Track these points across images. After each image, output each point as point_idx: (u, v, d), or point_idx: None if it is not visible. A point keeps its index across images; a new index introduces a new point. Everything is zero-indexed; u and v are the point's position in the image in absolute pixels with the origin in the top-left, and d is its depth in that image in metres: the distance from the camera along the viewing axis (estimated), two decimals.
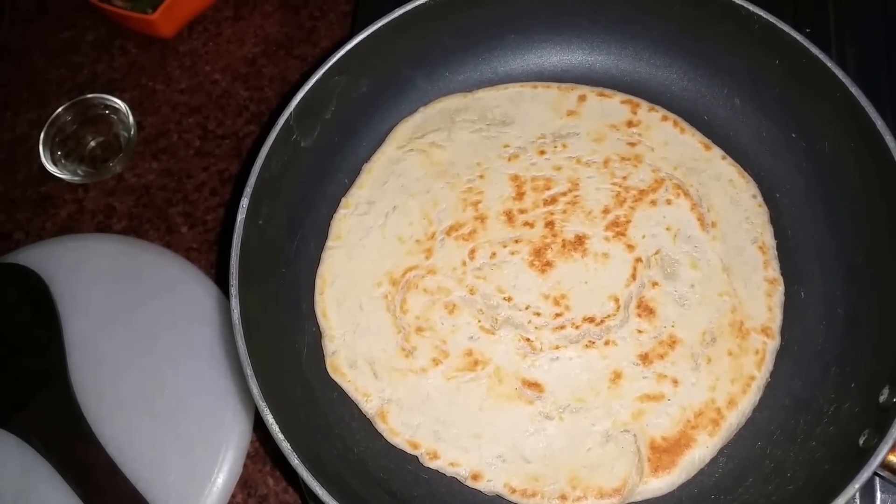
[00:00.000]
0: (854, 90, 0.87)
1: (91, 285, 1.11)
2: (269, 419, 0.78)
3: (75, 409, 1.03)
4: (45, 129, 1.25)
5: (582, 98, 1.03)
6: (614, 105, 1.02)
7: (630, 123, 1.01)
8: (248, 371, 0.80)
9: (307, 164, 0.97)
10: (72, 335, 1.08)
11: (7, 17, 1.42)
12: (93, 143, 1.29)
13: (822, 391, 0.87)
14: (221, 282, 1.13)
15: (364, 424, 0.90)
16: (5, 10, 1.42)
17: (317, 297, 0.95)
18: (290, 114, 0.92)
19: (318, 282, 0.96)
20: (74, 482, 0.99)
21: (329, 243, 0.98)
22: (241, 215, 0.87)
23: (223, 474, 1.00)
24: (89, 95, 1.28)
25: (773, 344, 0.90)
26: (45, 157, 1.24)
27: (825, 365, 0.88)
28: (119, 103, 1.27)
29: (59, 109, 1.27)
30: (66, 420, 1.03)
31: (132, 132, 1.25)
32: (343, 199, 1.00)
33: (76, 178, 1.24)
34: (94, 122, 1.29)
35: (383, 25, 0.96)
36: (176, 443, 1.01)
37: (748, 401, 0.87)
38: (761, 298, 0.91)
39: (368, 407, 0.90)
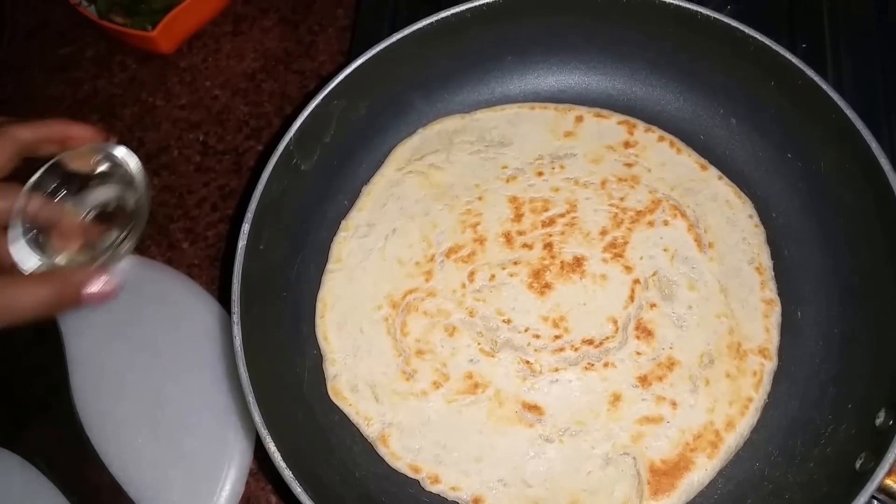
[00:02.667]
0: (849, 112, 0.87)
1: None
2: (272, 447, 0.79)
3: (78, 428, 1.04)
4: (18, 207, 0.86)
5: (579, 119, 1.04)
6: (611, 126, 1.03)
7: (627, 144, 1.02)
8: (251, 399, 0.80)
9: (307, 187, 0.98)
10: (74, 354, 1.09)
11: (7, 33, 1.42)
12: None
13: (819, 412, 0.87)
14: (223, 298, 1.13)
15: (365, 448, 0.91)
16: (5, 26, 1.43)
17: (318, 321, 0.96)
18: (290, 139, 0.92)
19: (319, 305, 0.96)
20: (78, 502, 0.99)
21: (329, 266, 0.98)
22: (242, 241, 0.87)
23: (225, 493, 1.00)
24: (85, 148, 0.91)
25: (771, 365, 0.90)
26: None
27: (822, 386, 0.88)
28: (123, 155, 0.90)
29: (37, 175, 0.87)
30: (69, 440, 1.03)
31: (142, 197, 0.89)
32: (343, 222, 1.01)
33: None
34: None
35: (382, 49, 0.96)
36: (178, 461, 1.02)
37: (746, 423, 0.88)
38: (758, 320, 0.92)
39: (370, 431, 0.91)
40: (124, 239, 0.91)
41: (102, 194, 0.91)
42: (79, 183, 0.90)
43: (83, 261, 0.89)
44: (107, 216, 0.91)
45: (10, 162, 0.84)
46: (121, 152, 0.90)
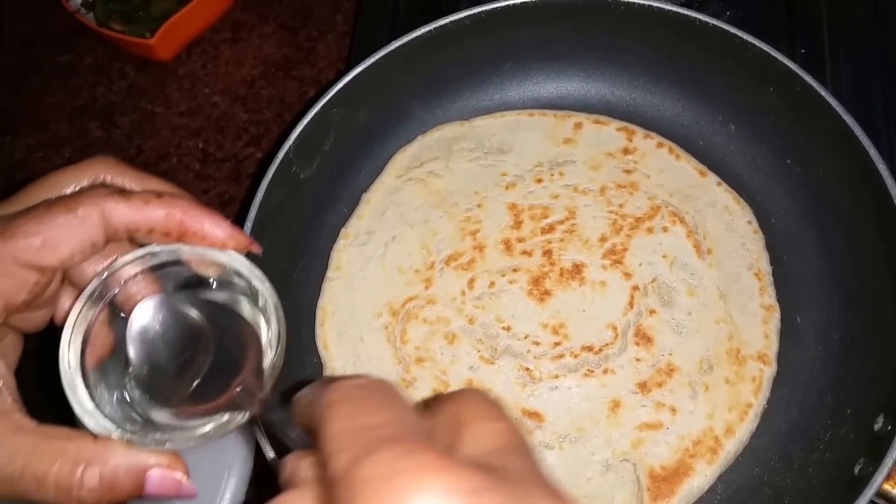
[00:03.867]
0: (847, 118, 0.88)
1: None
2: (271, 455, 0.79)
3: None
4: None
5: (578, 126, 1.04)
6: (610, 132, 1.03)
7: (626, 150, 1.02)
8: None
9: (307, 195, 0.98)
10: None
11: (5, 41, 1.43)
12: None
13: (818, 418, 0.87)
14: None
15: None
16: (3, 34, 1.43)
17: (318, 329, 0.96)
18: (290, 147, 0.93)
19: (319, 313, 0.97)
20: None
21: (329, 274, 0.98)
22: None
23: (226, 502, 1.00)
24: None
25: (770, 371, 0.90)
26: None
27: (822, 391, 0.89)
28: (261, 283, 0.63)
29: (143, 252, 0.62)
30: None
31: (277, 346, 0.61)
32: (342, 230, 1.01)
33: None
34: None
35: (381, 57, 0.97)
36: None
37: (746, 428, 0.88)
38: (758, 325, 0.92)
39: None
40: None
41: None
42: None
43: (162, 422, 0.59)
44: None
45: (86, 249, 0.59)
46: (259, 278, 0.62)
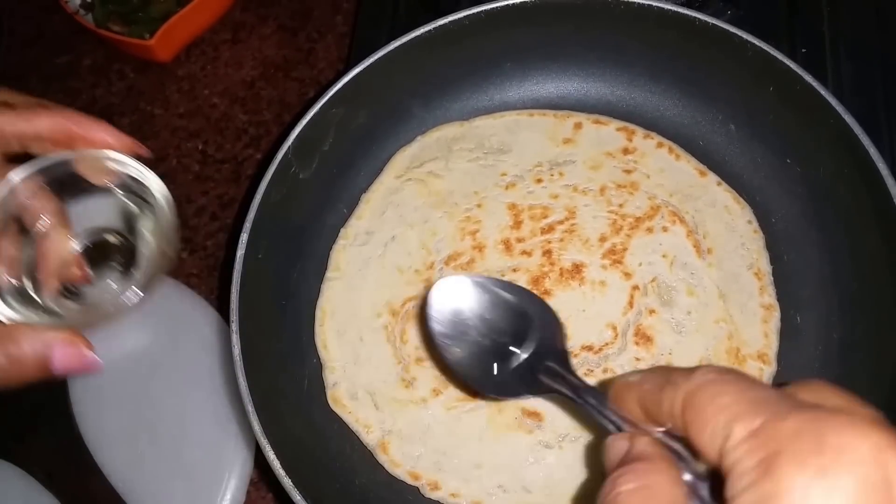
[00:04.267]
0: (848, 118, 0.87)
1: None
2: (271, 456, 0.79)
3: (78, 439, 1.04)
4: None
5: (578, 125, 1.04)
6: (610, 132, 1.03)
7: (626, 151, 1.02)
8: (250, 408, 0.80)
9: (306, 195, 0.98)
10: None
11: (4, 43, 1.43)
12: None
13: None
14: (222, 308, 1.13)
15: (365, 456, 0.91)
16: (3, 36, 1.43)
17: (317, 329, 0.96)
18: (289, 147, 0.92)
19: (319, 313, 0.96)
20: None
21: (328, 274, 0.98)
22: (240, 251, 0.87)
23: (226, 502, 1.00)
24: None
25: (770, 370, 0.90)
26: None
27: None
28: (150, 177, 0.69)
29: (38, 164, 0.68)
30: (68, 450, 1.03)
31: (166, 234, 0.67)
32: (342, 230, 1.01)
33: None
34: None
35: (380, 57, 0.96)
36: (178, 471, 1.02)
37: None
38: (757, 325, 0.92)
39: (369, 438, 0.91)
40: (121, 288, 0.66)
41: (108, 219, 0.70)
42: (79, 197, 0.69)
43: (63, 313, 0.66)
44: (103, 252, 0.70)
45: None
46: (148, 175, 0.68)
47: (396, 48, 0.97)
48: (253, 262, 0.88)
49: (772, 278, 0.94)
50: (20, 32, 1.44)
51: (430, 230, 0.99)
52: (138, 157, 0.71)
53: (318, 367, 0.95)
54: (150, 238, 0.68)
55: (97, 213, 0.69)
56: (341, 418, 0.92)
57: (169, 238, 0.68)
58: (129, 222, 0.70)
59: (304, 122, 0.94)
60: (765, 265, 0.95)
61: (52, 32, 1.43)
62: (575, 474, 0.87)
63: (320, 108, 0.95)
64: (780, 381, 0.90)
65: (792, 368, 0.91)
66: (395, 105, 1.04)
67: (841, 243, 0.92)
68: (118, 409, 1.05)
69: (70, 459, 1.03)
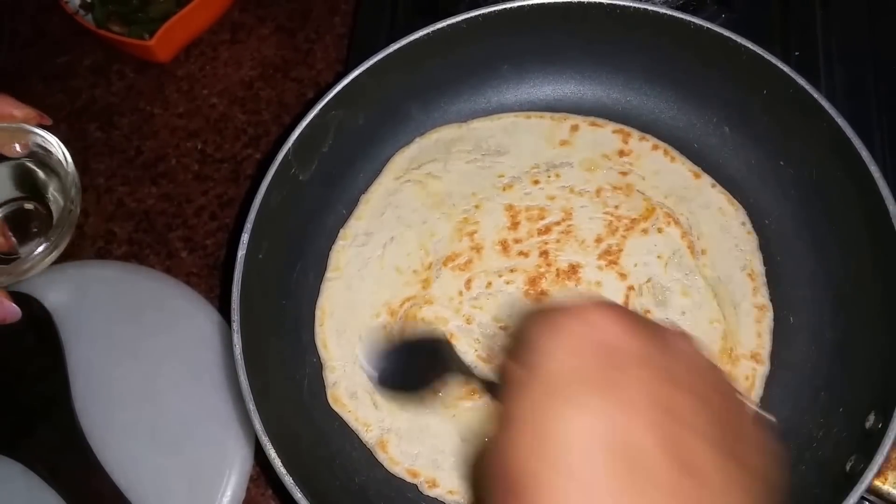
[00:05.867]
0: (840, 121, 0.88)
1: (93, 312, 1.12)
2: (272, 454, 0.80)
3: (79, 435, 1.04)
4: None
5: (574, 128, 1.05)
6: (606, 134, 1.04)
7: (622, 153, 1.03)
8: (251, 407, 0.81)
9: (306, 197, 0.99)
10: (74, 362, 1.09)
11: (5, 42, 1.43)
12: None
13: (811, 416, 0.88)
14: (222, 306, 1.14)
15: (364, 454, 0.92)
16: (3, 36, 1.43)
17: (317, 329, 0.97)
18: (289, 149, 0.93)
19: (318, 313, 0.98)
20: None
21: (328, 274, 0.99)
22: (241, 251, 0.88)
23: (227, 499, 1.01)
24: None
25: (763, 370, 0.92)
26: None
27: (814, 389, 0.90)
28: (54, 144, 0.78)
29: None
30: (70, 447, 1.04)
31: (71, 199, 0.76)
32: (341, 231, 1.02)
33: None
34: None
35: (379, 60, 0.97)
36: (179, 468, 1.02)
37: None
38: (751, 325, 0.93)
39: (368, 437, 0.92)
40: (42, 249, 0.73)
41: (20, 187, 0.76)
42: None
43: None
44: (20, 217, 0.76)
45: None
46: (52, 140, 0.74)
47: (395, 51, 0.98)
48: (253, 262, 0.89)
49: (765, 279, 0.96)
50: (20, 32, 1.44)
51: (429, 231, 1.00)
52: (41, 126, 0.76)
53: (317, 366, 0.96)
54: (60, 199, 0.75)
55: (10, 183, 0.74)
56: (341, 417, 0.93)
57: (73, 198, 0.75)
58: (38, 188, 0.75)
59: (303, 123, 0.95)
60: (758, 266, 0.96)
61: (52, 32, 1.43)
62: None
63: (320, 110, 0.96)
64: (773, 381, 0.92)
65: (785, 368, 0.92)
66: (393, 107, 1.05)
67: (834, 245, 0.93)
68: (120, 406, 1.06)
69: (72, 456, 1.03)
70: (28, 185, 0.75)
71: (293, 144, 0.94)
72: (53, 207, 0.74)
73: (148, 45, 1.30)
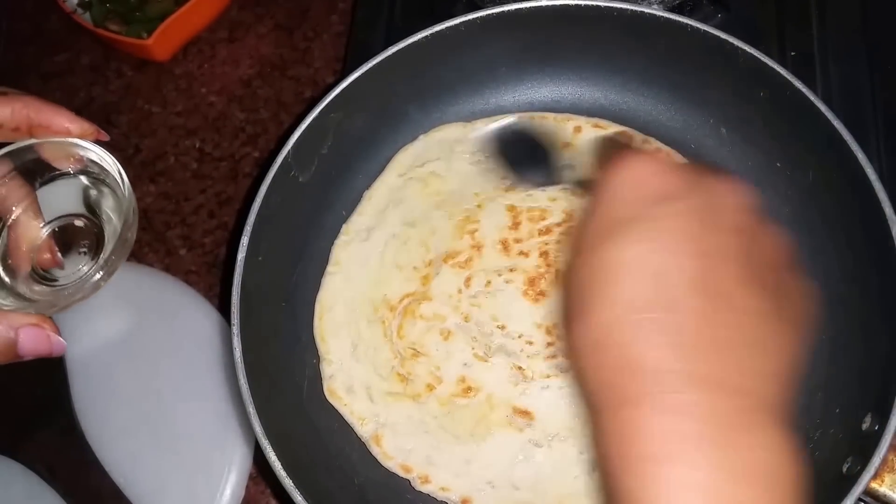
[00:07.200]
0: (836, 123, 0.89)
1: (92, 311, 1.12)
2: (272, 456, 0.80)
3: (79, 435, 1.05)
4: None
5: (577, 129, 1.05)
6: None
7: None
8: (251, 409, 0.82)
9: (305, 198, 0.99)
10: (74, 361, 1.10)
11: (3, 41, 1.43)
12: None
13: (807, 417, 0.88)
14: (221, 304, 1.14)
15: (363, 455, 0.92)
16: (1, 34, 1.43)
17: (315, 322, 0.97)
18: (289, 151, 0.94)
19: (318, 307, 0.98)
20: None
21: (329, 269, 1.00)
22: (241, 254, 0.88)
23: (226, 497, 1.02)
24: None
25: None
26: None
27: (811, 391, 0.90)
28: (111, 163, 0.72)
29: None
30: (70, 446, 1.05)
31: (128, 218, 0.70)
32: (344, 226, 1.03)
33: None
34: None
35: (378, 63, 0.97)
36: (179, 467, 1.03)
37: None
38: None
39: (363, 431, 0.93)
40: (90, 271, 0.67)
41: (71, 203, 0.71)
42: (44, 183, 0.70)
43: (34, 297, 0.67)
44: (69, 234, 0.71)
45: None
46: (108, 159, 0.70)
47: (393, 53, 0.98)
48: (253, 264, 0.90)
49: None
50: (18, 30, 1.44)
51: (430, 229, 1.01)
52: (98, 142, 0.72)
53: (317, 368, 0.97)
54: (115, 219, 0.70)
55: (62, 198, 0.70)
56: (341, 417, 0.93)
57: (129, 220, 0.70)
58: (93, 206, 0.71)
59: (303, 126, 0.95)
60: None
61: (50, 31, 1.43)
62: (563, 473, 0.89)
63: (319, 112, 0.96)
64: None
65: None
66: (392, 109, 1.05)
67: (830, 246, 0.93)
68: (119, 405, 1.07)
69: (71, 455, 1.04)
70: (80, 201, 0.72)
71: (292, 146, 0.94)
72: (107, 227, 0.71)
73: (146, 44, 1.30)
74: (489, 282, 0.97)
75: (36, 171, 0.71)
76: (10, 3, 1.46)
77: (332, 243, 1.02)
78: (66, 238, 0.71)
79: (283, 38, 1.39)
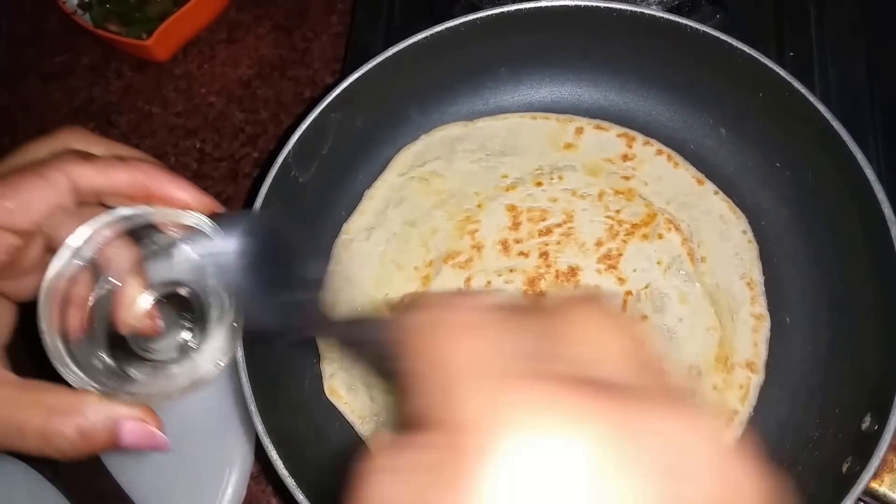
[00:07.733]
0: (835, 123, 0.89)
1: None
2: (274, 456, 0.81)
3: None
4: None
5: (579, 130, 1.05)
6: (610, 138, 1.05)
7: (625, 157, 1.03)
8: (252, 408, 0.82)
9: (306, 198, 0.99)
10: None
11: (3, 42, 1.43)
12: None
13: (807, 417, 0.89)
14: None
15: (364, 453, 0.92)
16: (2, 35, 1.43)
17: None
18: (289, 152, 0.94)
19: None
20: None
21: (329, 269, 1.00)
22: None
23: (227, 496, 1.02)
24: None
25: (757, 379, 0.92)
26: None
27: (810, 391, 0.90)
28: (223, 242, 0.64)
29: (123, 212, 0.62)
30: None
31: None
32: (345, 225, 1.03)
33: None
34: None
35: (377, 63, 0.98)
36: (180, 466, 1.03)
37: (730, 435, 0.89)
38: (747, 334, 0.94)
39: (363, 429, 0.93)
40: (207, 356, 0.62)
41: (178, 272, 0.64)
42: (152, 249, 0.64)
43: (132, 377, 0.61)
44: (177, 307, 0.65)
45: (57, 211, 0.60)
46: (223, 237, 0.63)
47: (393, 54, 0.98)
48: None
49: (763, 289, 0.96)
50: (18, 31, 1.44)
51: (431, 228, 1.01)
52: (214, 214, 0.67)
53: (318, 366, 0.97)
54: (223, 297, 0.63)
55: (168, 267, 0.65)
56: (342, 416, 0.94)
57: (240, 300, 0.63)
58: (199, 278, 0.65)
59: (303, 126, 0.95)
60: (757, 275, 0.96)
61: (50, 32, 1.43)
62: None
63: (319, 112, 0.96)
64: (769, 382, 0.93)
65: (782, 368, 0.93)
66: (392, 110, 1.06)
67: (828, 247, 0.94)
68: None
69: None
70: (186, 271, 0.66)
71: (293, 147, 0.94)
72: (213, 301, 0.63)
73: (146, 45, 1.30)
74: (489, 282, 0.98)
75: (144, 237, 0.65)
76: (10, 3, 1.46)
77: (333, 243, 1.02)
78: (169, 308, 0.65)
79: (282, 38, 1.39)
